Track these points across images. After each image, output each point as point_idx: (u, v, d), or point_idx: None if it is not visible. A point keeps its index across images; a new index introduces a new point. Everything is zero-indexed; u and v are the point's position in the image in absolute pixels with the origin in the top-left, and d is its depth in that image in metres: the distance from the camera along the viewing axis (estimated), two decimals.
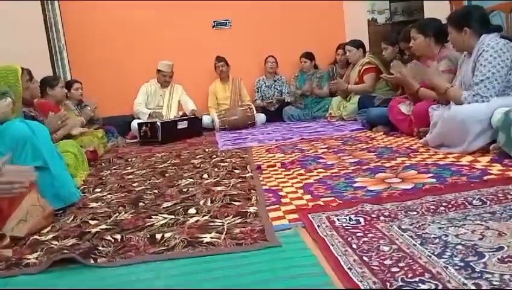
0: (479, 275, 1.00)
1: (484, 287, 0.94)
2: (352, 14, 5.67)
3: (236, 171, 2.53)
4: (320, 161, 2.62)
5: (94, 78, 5.29)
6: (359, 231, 1.36)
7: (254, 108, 5.23)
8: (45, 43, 4.61)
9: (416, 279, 1.01)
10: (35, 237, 1.65)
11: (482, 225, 1.30)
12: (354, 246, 1.25)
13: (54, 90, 3.75)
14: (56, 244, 1.55)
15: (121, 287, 1.19)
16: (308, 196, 1.87)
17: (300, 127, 4.56)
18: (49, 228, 1.76)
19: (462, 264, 1.06)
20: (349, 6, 5.80)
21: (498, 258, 1.06)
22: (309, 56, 5.47)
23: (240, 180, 2.29)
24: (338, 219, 1.49)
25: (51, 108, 3.21)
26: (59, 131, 2.98)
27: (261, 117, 5.29)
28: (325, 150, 2.98)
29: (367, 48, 4.92)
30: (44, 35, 4.60)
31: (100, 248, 1.45)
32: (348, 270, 1.10)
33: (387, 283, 1.00)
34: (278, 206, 1.78)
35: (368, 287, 1.00)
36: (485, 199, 1.52)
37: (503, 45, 2.37)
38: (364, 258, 1.16)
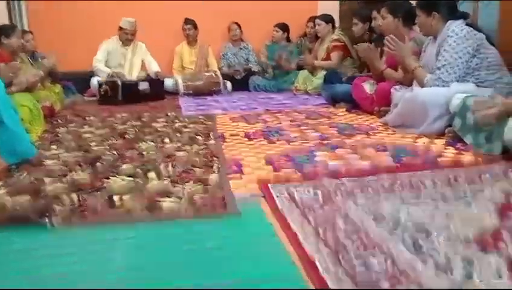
0: (426, 252, 1.05)
1: (429, 264, 1.00)
2: None
3: (199, 137, 2.51)
4: (283, 133, 2.64)
5: (53, 29, 5.01)
6: (316, 204, 1.40)
7: (220, 75, 5.14)
8: None
9: (367, 252, 1.06)
10: None
11: (432, 205, 1.37)
12: (311, 218, 1.28)
13: (9, 40, 3.52)
14: (8, 200, 1.50)
15: (79, 247, 1.17)
16: (270, 167, 1.90)
17: (265, 97, 4.55)
18: (1, 183, 1.70)
19: (411, 241, 1.11)
20: None
21: (444, 237, 1.13)
22: (282, 27, 5.37)
23: (202, 147, 2.28)
24: (297, 191, 1.52)
25: (4, 59, 3.03)
26: (13, 87, 2.82)
27: (227, 85, 5.22)
28: (289, 122, 3.00)
29: (337, 24, 4.92)
30: None
31: (56, 207, 1.42)
32: (303, 241, 1.13)
33: (340, 254, 1.05)
34: (239, 175, 1.79)
35: (322, 258, 1.03)
36: (436, 181, 1.60)
37: (467, 32, 2.44)
38: (320, 230, 1.20)
